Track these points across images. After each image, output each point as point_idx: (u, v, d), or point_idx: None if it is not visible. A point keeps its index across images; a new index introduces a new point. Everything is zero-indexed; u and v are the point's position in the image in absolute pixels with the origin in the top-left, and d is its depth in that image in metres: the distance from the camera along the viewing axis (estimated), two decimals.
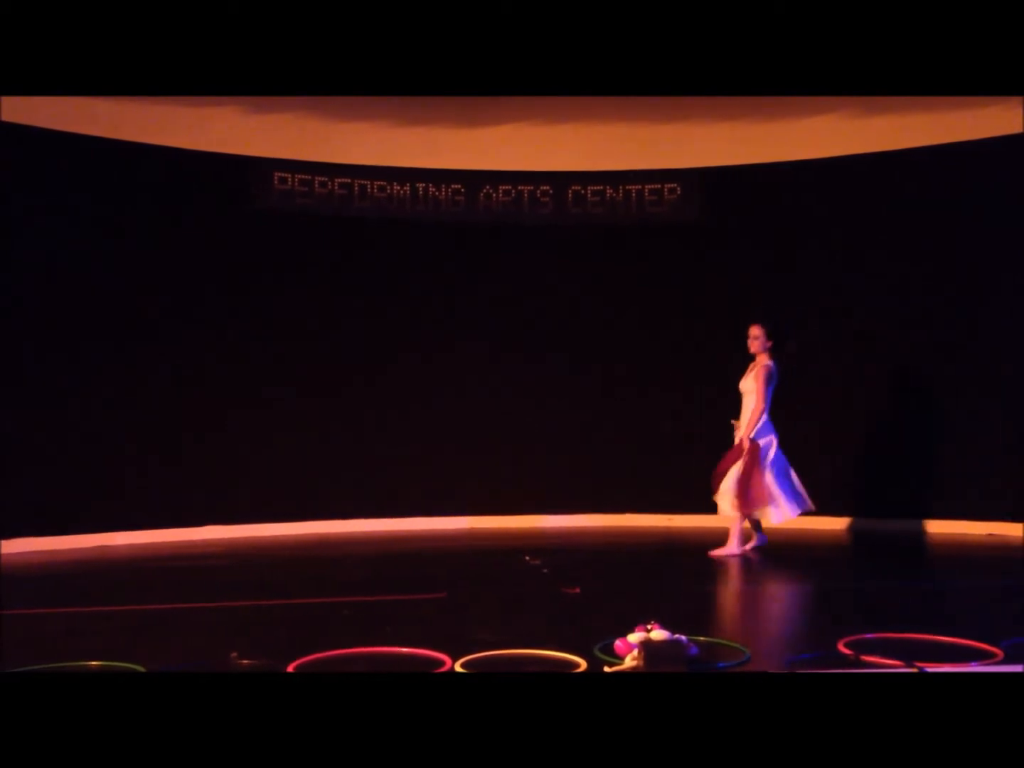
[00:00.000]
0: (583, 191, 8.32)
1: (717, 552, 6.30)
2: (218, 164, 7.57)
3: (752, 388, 6.28)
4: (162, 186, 7.42)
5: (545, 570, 5.85)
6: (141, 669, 3.35)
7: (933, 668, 3.32)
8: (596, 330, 8.29)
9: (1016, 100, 6.67)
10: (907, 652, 3.50)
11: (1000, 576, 5.59)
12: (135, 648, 3.78)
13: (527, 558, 6.20)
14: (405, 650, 3.71)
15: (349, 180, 8.05)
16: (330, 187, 8.01)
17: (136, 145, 7.24)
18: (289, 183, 7.88)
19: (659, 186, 8.27)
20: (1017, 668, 3.28)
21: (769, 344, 6.30)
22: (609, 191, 8.31)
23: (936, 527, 7.39)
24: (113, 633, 4.19)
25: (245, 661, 3.56)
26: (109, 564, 6.44)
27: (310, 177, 7.93)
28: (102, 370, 7.15)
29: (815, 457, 7.22)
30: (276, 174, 7.83)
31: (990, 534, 7.14)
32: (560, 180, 8.30)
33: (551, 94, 5.17)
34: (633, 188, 8.29)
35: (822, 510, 7.44)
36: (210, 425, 7.55)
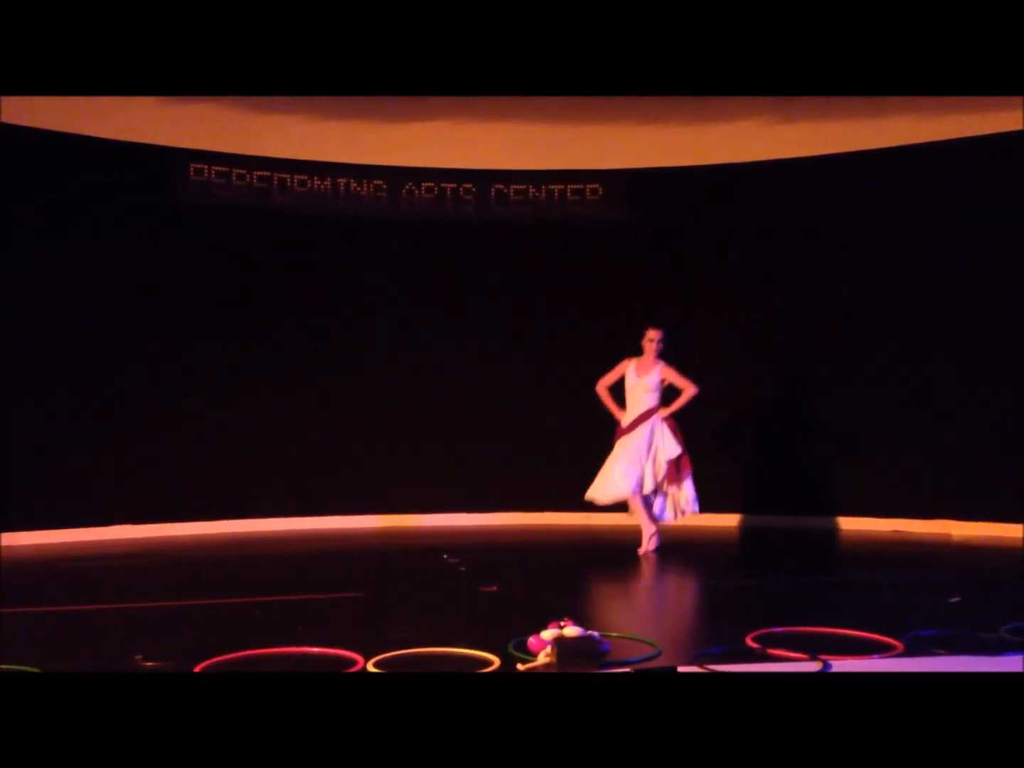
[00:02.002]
0: (506, 190, 8.33)
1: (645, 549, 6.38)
2: (131, 154, 7.36)
3: (653, 385, 6.42)
4: (74, 175, 7.18)
5: (463, 568, 5.85)
6: (36, 671, 3.22)
7: (837, 660, 3.41)
8: (517, 328, 8.30)
9: (948, 104, 6.90)
10: (812, 645, 3.59)
11: (903, 572, 5.77)
12: (34, 650, 3.65)
13: (445, 556, 6.19)
14: (316, 650, 3.66)
15: (268, 173, 7.91)
16: (248, 180, 7.86)
17: (46, 133, 6.99)
18: (205, 174, 7.70)
19: (581, 186, 8.33)
20: (915, 660, 3.39)
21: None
22: (532, 190, 8.34)
23: (843, 524, 7.61)
24: (10, 635, 4.03)
25: (149, 663, 3.46)
26: (11, 564, 6.20)
27: (227, 169, 7.77)
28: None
29: (723, 455, 7.40)
30: (192, 165, 7.65)
31: (895, 531, 7.37)
32: (483, 178, 8.29)
33: (474, 94, 5.14)
34: (556, 188, 8.34)
35: (729, 507, 7.64)
36: (119, 421, 7.34)
